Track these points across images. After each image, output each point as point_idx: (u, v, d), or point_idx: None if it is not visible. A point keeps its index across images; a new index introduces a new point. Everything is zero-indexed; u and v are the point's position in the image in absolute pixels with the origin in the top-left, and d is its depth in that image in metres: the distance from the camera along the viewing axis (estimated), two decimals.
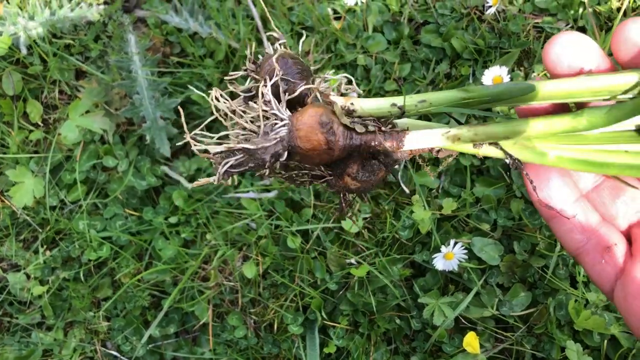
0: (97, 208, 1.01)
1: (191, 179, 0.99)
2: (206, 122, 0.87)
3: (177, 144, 0.90)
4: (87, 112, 1.00)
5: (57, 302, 1.00)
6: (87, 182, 1.01)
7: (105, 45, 1.03)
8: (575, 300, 0.87)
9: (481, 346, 0.90)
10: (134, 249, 0.99)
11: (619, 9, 1.00)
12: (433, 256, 0.87)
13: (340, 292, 0.93)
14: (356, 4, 0.99)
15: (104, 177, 1.00)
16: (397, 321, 0.92)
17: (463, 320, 0.92)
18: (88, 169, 1.00)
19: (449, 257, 0.87)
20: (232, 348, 0.94)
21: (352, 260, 0.92)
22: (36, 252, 1.01)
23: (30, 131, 1.03)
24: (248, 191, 0.95)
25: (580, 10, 0.99)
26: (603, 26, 0.99)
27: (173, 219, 0.97)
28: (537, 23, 1.00)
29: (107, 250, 0.98)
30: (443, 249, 0.87)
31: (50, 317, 1.00)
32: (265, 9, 0.58)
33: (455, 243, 0.87)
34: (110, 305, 0.99)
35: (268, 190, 0.94)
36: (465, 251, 0.88)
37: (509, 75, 0.91)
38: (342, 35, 1.01)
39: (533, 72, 0.97)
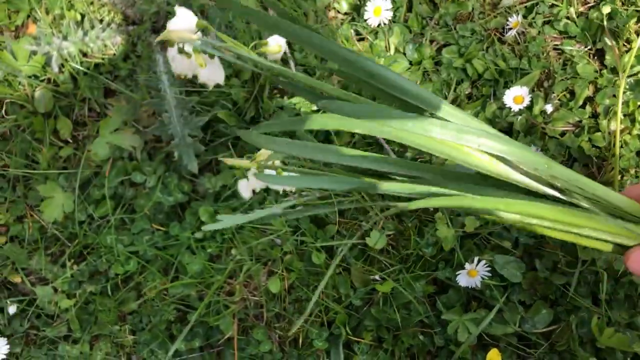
0: (124, 223, 1.03)
1: (217, 195, 1.01)
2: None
3: (203, 161, 0.92)
4: (117, 129, 1.02)
5: (84, 315, 1.02)
6: (115, 197, 1.03)
7: (134, 64, 1.06)
8: (599, 318, 0.88)
9: None
10: (160, 263, 1.01)
11: (637, 32, 1.02)
12: (457, 273, 0.89)
13: (365, 308, 0.95)
14: (379, 25, 1.01)
15: (131, 192, 1.03)
16: (421, 337, 0.93)
17: (485, 337, 0.93)
18: (116, 185, 1.02)
19: (472, 275, 0.89)
20: None
21: (377, 277, 0.94)
22: (64, 266, 1.03)
23: (60, 147, 1.05)
24: (273, 207, 0.97)
25: (599, 32, 1.01)
26: (621, 48, 1.01)
27: (199, 234, 0.99)
28: (557, 45, 1.02)
29: (134, 265, 1.00)
30: (467, 266, 0.88)
31: (77, 330, 1.01)
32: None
33: (479, 261, 0.88)
34: (136, 319, 1.00)
35: (293, 207, 0.96)
36: (489, 269, 0.89)
37: (530, 96, 0.93)
38: (364, 55, 1.04)
39: (553, 92, 0.99)
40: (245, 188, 0.93)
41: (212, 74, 0.91)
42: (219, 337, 0.98)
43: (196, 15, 1.11)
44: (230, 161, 0.90)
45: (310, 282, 0.95)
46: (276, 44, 0.88)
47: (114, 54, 1.08)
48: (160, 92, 0.99)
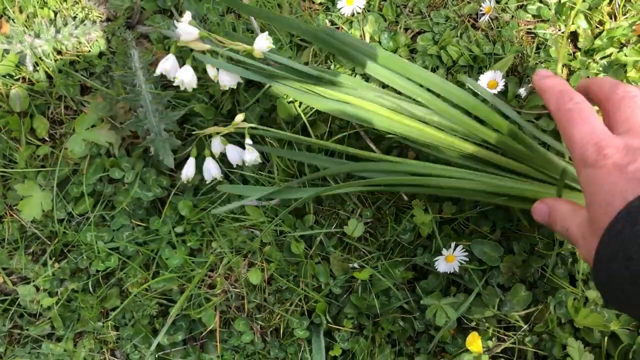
0: (104, 220, 1.03)
1: (196, 188, 1.01)
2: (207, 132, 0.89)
3: (182, 155, 0.92)
4: (93, 126, 1.02)
5: (66, 313, 1.02)
6: (94, 194, 1.03)
7: (109, 61, 1.06)
8: (575, 299, 0.89)
9: (484, 346, 0.92)
10: (141, 258, 1.01)
11: (609, 14, 1.02)
12: (435, 259, 0.89)
13: (344, 296, 0.95)
14: (353, 14, 1.01)
15: (110, 189, 1.02)
16: (401, 323, 0.93)
17: (465, 321, 0.94)
18: (95, 182, 1.02)
19: (450, 260, 0.89)
20: (240, 353, 0.96)
21: (355, 264, 0.94)
22: (45, 264, 1.03)
23: (38, 146, 1.05)
24: (252, 199, 0.97)
25: (572, 15, 1.01)
26: (594, 30, 1.02)
27: (179, 229, 0.99)
28: (530, 29, 1.03)
29: (115, 261, 1.00)
30: (444, 251, 0.89)
31: (60, 328, 1.01)
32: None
33: (456, 246, 0.89)
34: (119, 314, 1.00)
35: (272, 198, 0.96)
36: (466, 254, 0.90)
37: (504, 80, 0.93)
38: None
39: (527, 76, 0.99)
40: (209, 171, 0.94)
41: (191, 80, 0.92)
42: (201, 329, 0.98)
43: (169, 8, 1.10)
44: (202, 133, 0.92)
45: (290, 272, 0.95)
46: (265, 44, 0.89)
47: (89, 51, 1.07)
48: (135, 88, 0.99)
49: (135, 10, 1.09)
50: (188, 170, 0.96)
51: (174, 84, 0.92)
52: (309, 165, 0.96)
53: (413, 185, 0.86)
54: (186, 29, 0.91)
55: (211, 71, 0.95)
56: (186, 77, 0.92)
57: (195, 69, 0.92)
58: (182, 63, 0.94)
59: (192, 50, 0.94)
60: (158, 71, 0.92)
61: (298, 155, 0.95)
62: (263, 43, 0.89)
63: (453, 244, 0.88)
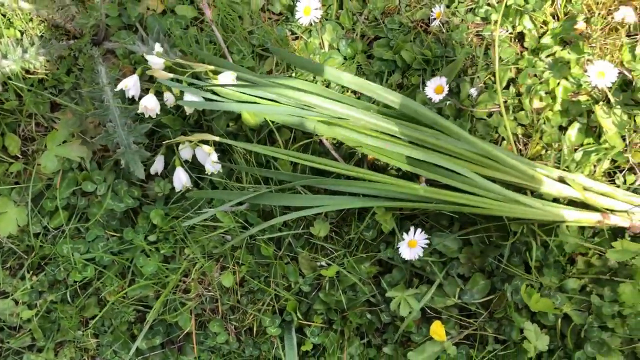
0: (79, 232, 1.06)
1: (167, 198, 1.05)
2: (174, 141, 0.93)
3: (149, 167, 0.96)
4: (64, 141, 1.05)
5: (46, 324, 1.05)
6: (68, 208, 1.06)
7: (77, 77, 1.09)
8: (527, 285, 0.94)
9: (447, 333, 0.97)
10: (116, 267, 1.04)
11: (552, 14, 1.08)
12: (398, 245, 0.94)
13: (314, 293, 1.00)
14: (310, 24, 1.06)
15: (84, 202, 1.06)
16: (368, 316, 0.98)
17: (429, 311, 0.99)
18: (68, 196, 1.05)
19: (412, 245, 0.94)
20: (216, 354, 1.00)
21: (323, 263, 0.99)
22: (23, 278, 1.06)
23: (10, 163, 1.08)
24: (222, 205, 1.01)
25: (518, 17, 1.07)
26: (539, 30, 1.08)
27: (152, 237, 1.03)
28: (479, 31, 1.08)
29: (92, 271, 1.03)
30: (405, 236, 0.94)
31: (41, 339, 1.05)
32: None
33: (415, 230, 0.94)
34: (98, 322, 1.04)
35: (241, 203, 1.01)
36: (427, 238, 0.94)
37: (448, 85, 0.98)
38: (300, 54, 1.08)
39: (477, 77, 1.05)
40: (179, 179, 0.98)
41: (154, 106, 0.97)
42: (178, 333, 1.02)
43: (134, 24, 1.14)
44: (170, 141, 0.96)
45: (261, 273, 1.00)
46: (229, 80, 0.94)
47: (57, 69, 1.10)
48: (103, 103, 1.03)
49: (100, 27, 1.12)
50: (158, 166, 1.02)
51: (138, 111, 0.97)
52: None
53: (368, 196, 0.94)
54: (153, 60, 0.97)
55: (169, 100, 1.00)
56: (149, 104, 0.97)
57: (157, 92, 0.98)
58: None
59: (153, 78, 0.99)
60: (118, 87, 0.96)
61: (264, 172, 1.00)
62: (228, 78, 0.95)
63: (412, 228, 0.93)
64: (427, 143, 0.97)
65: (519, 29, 1.07)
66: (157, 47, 1.02)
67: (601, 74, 0.96)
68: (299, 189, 0.99)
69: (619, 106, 1.00)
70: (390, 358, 0.98)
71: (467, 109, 1.04)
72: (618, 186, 1.00)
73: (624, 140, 0.99)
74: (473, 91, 1.03)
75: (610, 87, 0.97)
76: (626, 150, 0.99)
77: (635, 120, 0.99)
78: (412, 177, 1.02)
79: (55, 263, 1.05)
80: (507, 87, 1.05)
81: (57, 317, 1.04)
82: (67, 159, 1.05)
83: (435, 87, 1.00)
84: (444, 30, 1.08)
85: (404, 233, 0.94)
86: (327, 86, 1.06)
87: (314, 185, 0.99)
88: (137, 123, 1.03)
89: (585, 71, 1.00)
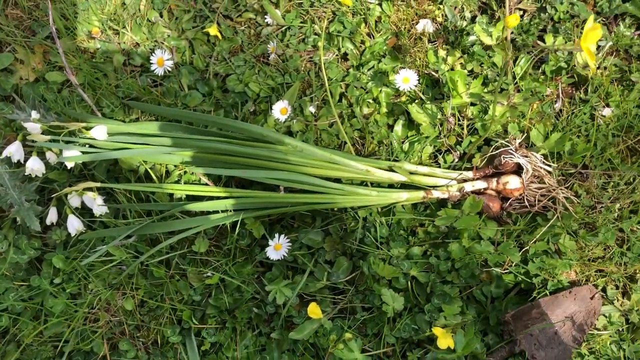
0: None
1: (65, 243, 1.19)
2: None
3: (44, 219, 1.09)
4: None
5: None
6: None
7: None
8: (379, 258, 1.15)
9: (323, 311, 1.16)
10: (29, 312, 1.17)
11: (368, 34, 1.31)
12: (265, 250, 1.13)
13: (204, 301, 1.17)
14: (165, 73, 1.23)
15: None
16: (255, 310, 1.16)
17: (305, 296, 1.18)
18: None
19: (278, 248, 1.13)
20: None
21: (208, 274, 1.16)
22: None
23: None
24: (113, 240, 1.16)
25: (341, 40, 1.29)
26: (359, 49, 1.30)
27: (57, 280, 1.17)
28: (311, 57, 1.29)
29: (6, 320, 1.16)
30: (271, 242, 1.13)
31: None
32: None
33: (280, 235, 1.13)
34: None
35: (129, 236, 1.16)
36: (289, 241, 1.14)
37: (291, 106, 1.18)
38: (163, 99, 1.25)
39: (315, 96, 1.25)
40: (72, 225, 1.13)
41: (40, 167, 1.10)
42: (94, 357, 1.17)
43: (11, 94, 1.27)
44: (58, 194, 1.11)
45: (157, 292, 1.16)
46: (102, 133, 1.09)
47: None
48: None
49: None
50: (52, 217, 1.15)
51: (25, 173, 1.11)
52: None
53: (238, 210, 1.12)
54: (32, 126, 1.11)
55: (51, 158, 1.14)
56: (35, 165, 1.11)
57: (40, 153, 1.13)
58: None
59: (34, 141, 1.13)
60: (3, 154, 1.10)
61: (145, 206, 1.16)
62: (100, 132, 1.11)
63: (277, 235, 1.13)
64: (278, 159, 1.15)
65: (343, 50, 1.29)
66: (34, 114, 1.16)
67: (406, 80, 1.19)
68: (178, 215, 1.15)
69: (429, 102, 1.24)
70: (278, 342, 1.16)
71: (311, 123, 1.24)
72: (439, 166, 1.23)
73: (439, 127, 1.22)
74: (312, 109, 1.24)
75: (415, 88, 1.20)
76: (439, 136, 1.22)
77: (443, 110, 1.23)
78: (274, 188, 1.21)
79: None
80: (340, 100, 1.26)
81: None
82: None
83: (280, 109, 1.20)
84: (281, 61, 1.28)
85: (270, 239, 1.13)
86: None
87: (190, 209, 1.16)
88: (27, 182, 1.17)
89: (395, 79, 1.22)
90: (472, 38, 1.25)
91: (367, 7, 1.29)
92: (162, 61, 1.22)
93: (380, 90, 1.25)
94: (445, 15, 1.28)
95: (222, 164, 1.16)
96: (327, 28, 1.29)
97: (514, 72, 1.23)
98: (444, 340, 1.03)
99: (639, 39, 1.25)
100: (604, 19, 1.27)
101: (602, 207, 1.16)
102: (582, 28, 1.26)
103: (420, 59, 1.28)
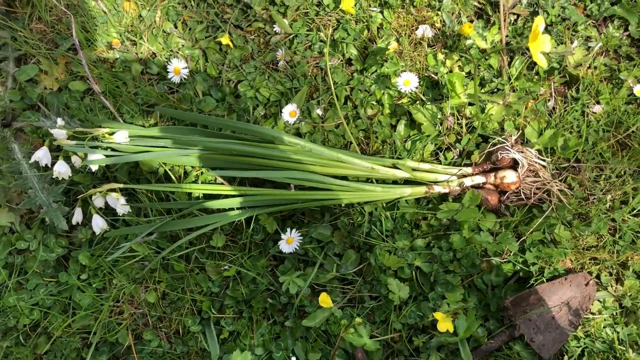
0: (21, 284, 1.26)
1: (90, 241, 1.27)
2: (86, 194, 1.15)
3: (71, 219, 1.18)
4: None
5: None
6: (7, 266, 1.26)
7: None
8: (386, 250, 1.22)
9: (333, 301, 1.23)
10: (59, 306, 1.25)
11: (370, 40, 1.38)
12: (278, 243, 1.21)
13: (222, 292, 1.25)
14: (181, 80, 1.31)
15: (20, 259, 1.26)
16: (270, 300, 1.24)
17: (316, 287, 1.26)
18: (6, 257, 1.25)
19: (290, 242, 1.21)
20: (154, 357, 1.23)
21: (225, 267, 1.24)
22: None
23: None
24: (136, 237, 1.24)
25: (346, 47, 1.37)
26: (363, 54, 1.38)
27: (84, 275, 1.25)
28: (317, 63, 1.37)
29: (38, 314, 1.24)
30: (283, 236, 1.20)
31: None
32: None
33: (291, 229, 1.21)
34: (51, 355, 1.24)
35: (151, 233, 1.24)
36: (300, 235, 1.21)
37: (299, 109, 1.26)
38: (179, 105, 1.34)
39: (322, 99, 1.33)
40: (97, 224, 1.20)
41: (66, 170, 1.19)
42: (120, 348, 1.24)
43: (36, 103, 1.36)
44: (83, 195, 1.18)
45: (177, 285, 1.24)
46: (123, 137, 1.18)
47: None
48: (22, 174, 1.24)
49: (7, 111, 1.33)
50: (77, 217, 1.23)
51: (52, 176, 1.19)
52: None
53: (252, 207, 1.19)
54: (58, 133, 1.19)
55: (77, 162, 1.22)
56: (61, 169, 1.19)
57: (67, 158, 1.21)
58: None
59: (60, 146, 1.21)
60: (32, 159, 1.18)
61: (165, 204, 1.24)
62: (121, 136, 1.19)
63: (289, 229, 1.20)
64: (289, 159, 1.23)
65: (347, 56, 1.37)
66: (59, 121, 1.25)
67: (407, 82, 1.27)
68: (196, 212, 1.23)
69: (429, 102, 1.31)
70: (292, 330, 1.24)
71: (318, 125, 1.32)
72: (440, 162, 1.31)
73: (440, 126, 1.29)
74: (319, 111, 1.32)
75: (416, 90, 1.28)
76: (439, 134, 1.30)
77: (442, 110, 1.30)
78: (285, 186, 1.28)
79: (5, 314, 1.24)
80: (345, 103, 1.34)
81: (13, 359, 1.24)
82: None
83: (290, 113, 1.28)
84: (290, 67, 1.36)
85: (282, 234, 1.21)
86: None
87: (208, 207, 1.24)
88: (54, 185, 1.25)
89: (397, 81, 1.30)
90: (468, 42, 1.33)
91: (369, 15, 1.37)
92: (178, 70, 1.30)
93: (383, 93, 1.33)
94: (443, 21, 1.36)
95: (235, 164, 1.24)
96: (332, 35, 1.37)
97: (509, 73, 1.31)
98: (444, 324, 1.10)
99: (627, 40, 1.32)
100: (594, 22, 1.35)
101: (594, 198, 1.23)
102: (574, 30, 1.34)
103: (420, 62, 1.36)
